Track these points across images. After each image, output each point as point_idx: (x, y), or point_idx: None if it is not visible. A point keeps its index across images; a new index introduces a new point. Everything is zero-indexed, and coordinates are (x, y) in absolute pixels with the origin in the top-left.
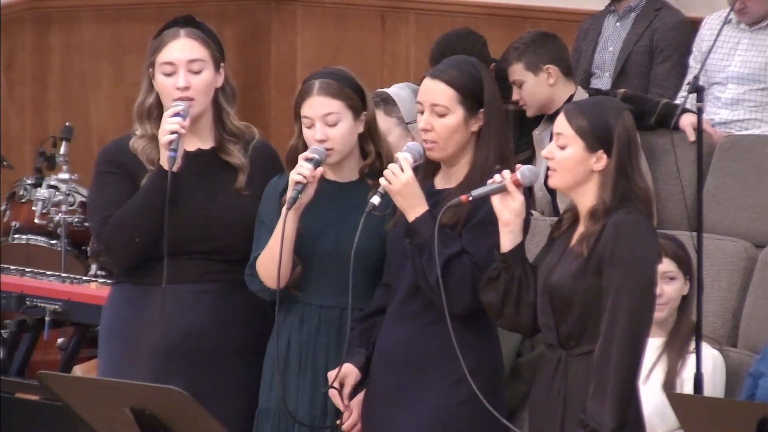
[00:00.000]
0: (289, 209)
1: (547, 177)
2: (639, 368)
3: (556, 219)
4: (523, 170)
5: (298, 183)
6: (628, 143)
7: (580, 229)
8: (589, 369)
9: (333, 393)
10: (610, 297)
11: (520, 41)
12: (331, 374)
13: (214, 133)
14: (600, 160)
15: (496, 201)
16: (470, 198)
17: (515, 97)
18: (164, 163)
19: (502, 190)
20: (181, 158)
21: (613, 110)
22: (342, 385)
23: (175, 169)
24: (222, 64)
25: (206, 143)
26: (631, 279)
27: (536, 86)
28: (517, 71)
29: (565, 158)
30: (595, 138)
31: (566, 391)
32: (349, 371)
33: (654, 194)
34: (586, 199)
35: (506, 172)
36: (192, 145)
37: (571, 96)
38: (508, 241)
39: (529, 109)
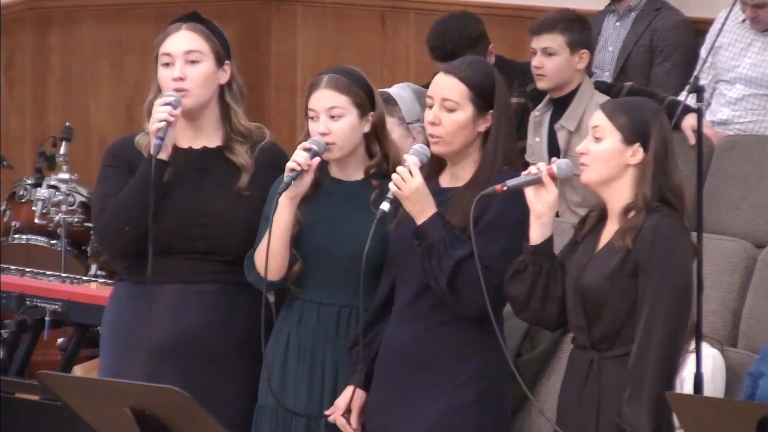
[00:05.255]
0: (280, 194)
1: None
2: (676, 373)
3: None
4: (559, 163)
5: (292, 170)
6: (665, 139)
7: (611, 226)
8: (622, 371)
9: (342, 422)
10: (647, 302)
11: (565, 15)
12: (340, 403)
13: (222, 132)
14: (636, 154)
15: (529, 193)
16: (505, 188)
17: (536, 63)
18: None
19: (537, 182)
20: (170, 148)
21: (650, 109)
22: (349, 409)
23: (165, 158)
24: (227, 62)
25: (213, 142)
26: (668, 284)
27: (567, 64)
28: (557, 42)
29: (602, 150)
30: (633, 131)
31: (600, 394)
32: (355, 395)
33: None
34: (620, 196)
35: (542, 164)
36: (198, 142)
37: (579, 84)
38: (538, 234)
39: (545, 81)
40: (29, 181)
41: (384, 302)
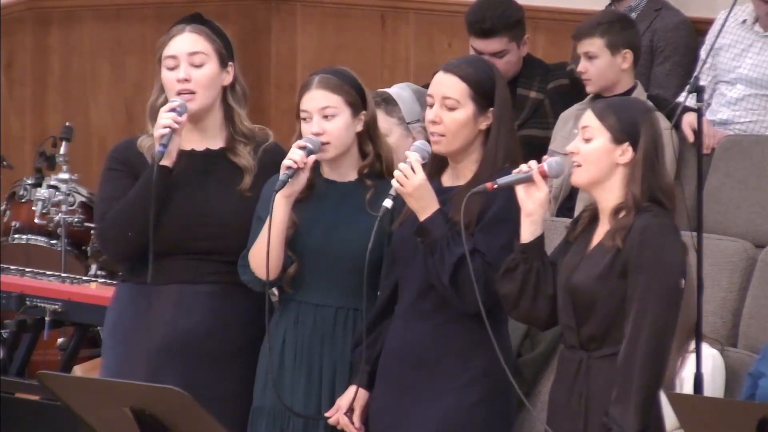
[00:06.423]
0: (276, 192)
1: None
2: (663, 373)
3: (556, 218)
4: (550, 161)
5: (288, 168)
6: (655, 139)
7: (603, 227)
8: (611, 371)
9: (345, 422)
10: (636, 302)
11: (604, 17)
12: (343, 403)
13: (225, 134)
14: (625, 153)
15: (520, 191)
16: (495, 186)
17: (581, 69)
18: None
19: (528, 180)
20: (175, 155)
21: (640, 109)
22: (352, 409)
23: (168, 164)
24: (230, 63)
25: (216, 143)
26: (657, 284)
27: (610, 66)
28: (596, 45)
29: (591, 150)
30: (622, 130)
31: (588, 394)
32: (358, 394)
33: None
34: (610, 196)
35: (533, 163)
36: (201, 144)
37: (632, 88)
38: (529, 232)
39: (591, 85)
40: (29, 181)
41: (386, 302)
